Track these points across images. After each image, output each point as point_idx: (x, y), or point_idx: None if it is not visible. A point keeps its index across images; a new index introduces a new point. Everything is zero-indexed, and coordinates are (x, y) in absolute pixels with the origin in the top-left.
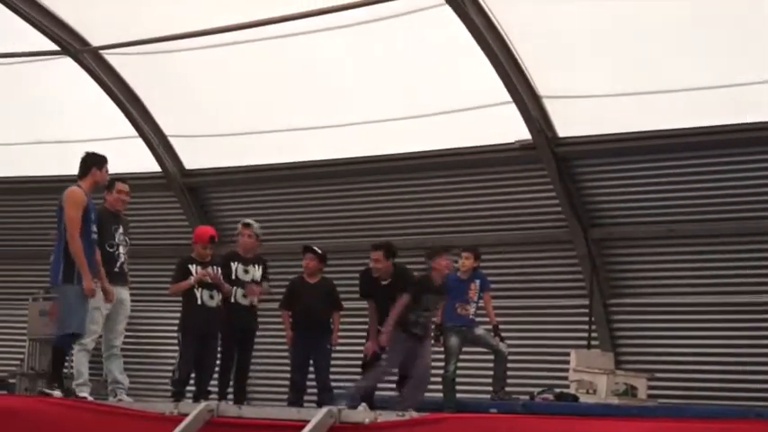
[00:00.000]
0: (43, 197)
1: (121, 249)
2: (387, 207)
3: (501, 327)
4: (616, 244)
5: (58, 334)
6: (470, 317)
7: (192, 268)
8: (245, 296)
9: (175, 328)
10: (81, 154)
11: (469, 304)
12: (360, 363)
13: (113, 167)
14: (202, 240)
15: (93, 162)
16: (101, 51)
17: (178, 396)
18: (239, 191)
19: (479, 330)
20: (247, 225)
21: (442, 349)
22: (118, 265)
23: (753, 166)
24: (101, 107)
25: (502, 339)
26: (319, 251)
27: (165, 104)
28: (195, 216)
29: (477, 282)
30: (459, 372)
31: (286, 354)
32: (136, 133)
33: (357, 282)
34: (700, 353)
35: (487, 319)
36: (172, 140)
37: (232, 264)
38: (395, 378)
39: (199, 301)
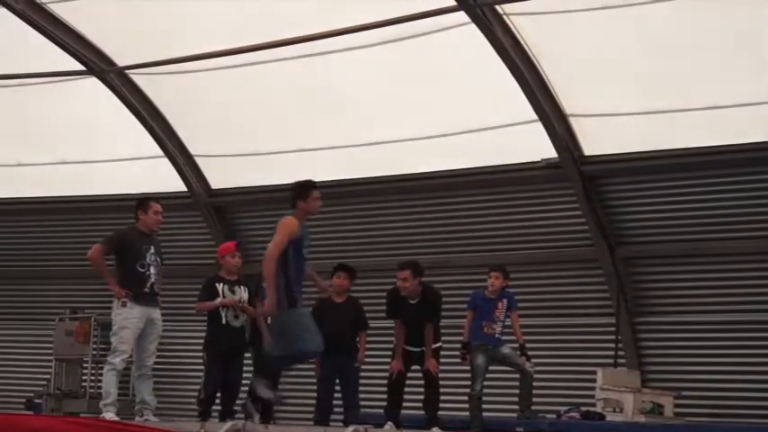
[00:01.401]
0: (68, 217)
1: (152, 270)
2: (413, 226)
3: (528, 345)
4: (642, 262)
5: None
6: (497, 335)
7: (219, 287)
8: (236, 318)
9: (200, 347)
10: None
11: (496, 323)
12: (385, 382)
13: (139, 187)
14: (229, 249)
15: (295, 195)
16: (126, 71)
17: (204, 415)
18: (265, 210)
19: (506, 349)
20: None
21: (469, 368)
22: (148, 285)
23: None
24: (126, 127)
25: (528, 359)
26: (352, 268)
27: (191, 124)
28: (221, 235)
29: (505, 301)
30: (485, 390)
31: (312, 372)
32: (162, 153)
33: (383, 301)
34: (727, 371)
35: (514, 338)
36: (198, 160)
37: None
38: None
39: (224, 321)
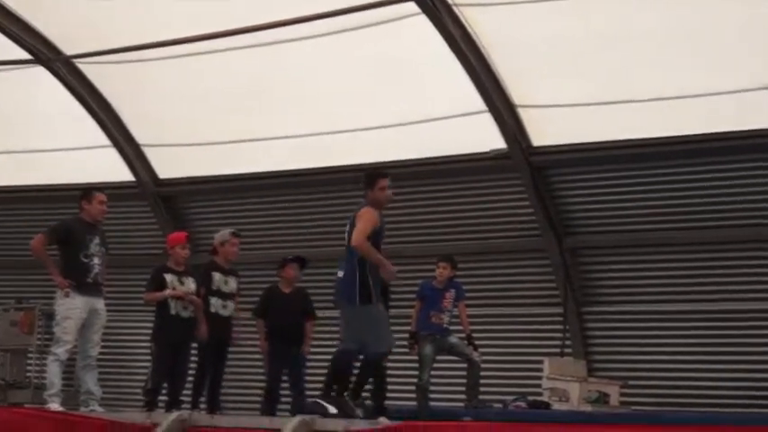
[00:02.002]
0: (12, 207)
1: (96, 260)
2: None
3: (475, 334)
4: (589, 252)
5: (371, 351)
6: (444, 325)
7: (167, 277)
8: (224, 307)
9: (148, 337)
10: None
11: (443, 313)
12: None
13: (86, 177)
14: (180, 241)
15: (364, 185)
16: (73, 60)
17: (150, 406)
18: (213, 200)
19: (453, 339)
20: (237, 234)
21: (416, 357)
22: (92, 275)
23: (725, 175)
24: (73, 116)
25: (476, 349)
26: (304, 260)
27: (139, 114)
28: (169, 226)
29: (453, 291)
30: (432, 380)
31: (259, 362)
32: (109, 142)
33: (331, 291)
34: (672, 360)
35: (462, 328)
36: (145, 150)
37: (213, 274)
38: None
39: (172, 311)
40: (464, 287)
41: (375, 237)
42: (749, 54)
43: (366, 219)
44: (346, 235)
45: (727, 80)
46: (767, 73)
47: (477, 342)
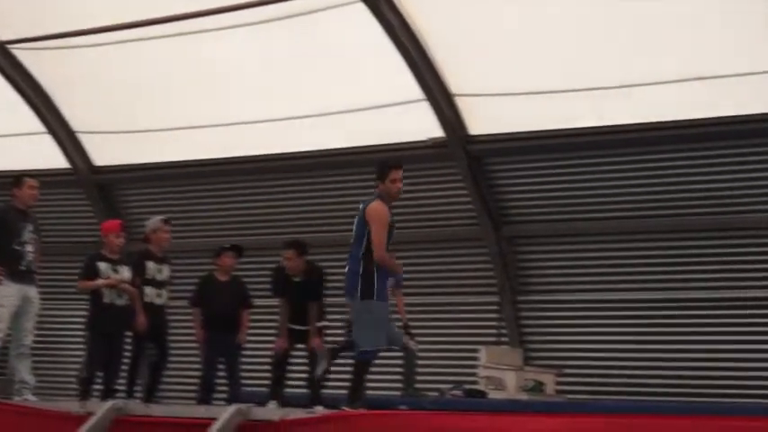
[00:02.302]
0: None
1: (29, 248)
2: (298, 204)
3: (412, 323)
4: (526, 241)
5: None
6: None
7: (101, 266)
8: (158, 296)
9: (82, 326)
10: None
11: None
12: (270, 360)
13: (20, 164)
14: (114, 229)
15: (376, 176)
16: (8, 46)
17: (85, 395)
18: (149, 188)
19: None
20: (167, 221)
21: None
22: (24, 263)
23: (661, 165)
24: (7, 102)
25: (412, 337)
26: (240, 248)
27: (74, 100)
28: (104, 213)
29: (391, 279)
30: (371, 368)
31: (195, 351)
32: (44, 129)
33: (266, 279)
34: (607, 349)
35: (398, 316)
36: (80, 137)
37: (146, 263)
38: None
39: (106, 300)
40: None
41: (387, 234)
42: (686, 44)
43: (379, 222)
44: (354, 227)
45: (665, 69)
46: (703, 63)
47: (413, 331)
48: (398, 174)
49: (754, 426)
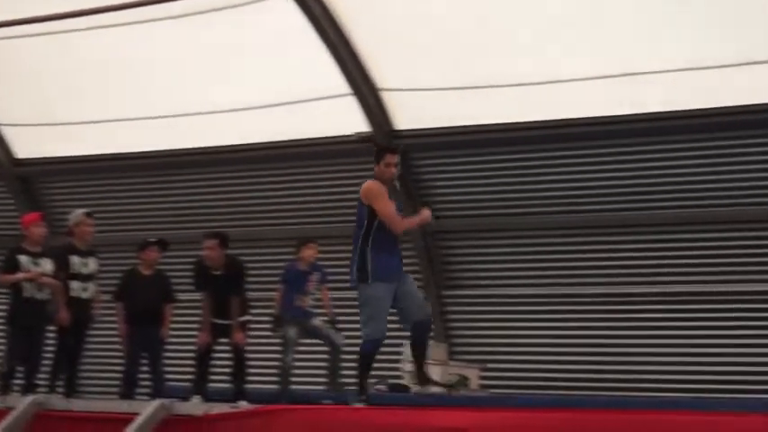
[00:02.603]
0: None
1: None
2: (222, 198)
3: (338, 317)
4: (452, 236)
5: (363, 340)
6: (308, 308)
7: (22, 259)
8: (84, 290)
9: (2, 320)
10: None
11: (307, 296)
12: (193, 355)
13: None
14: (34, 221)
15: (374, 158)
16: None
17: (5, 389)
18: (71, 181)
19: (316, 321)
20: (90, 215)
21: (279, 340)
22: None
23: (584, 161)
24: None
25: (338, 332)
26: (166, 243)
27: None
28: (26, 206)
29: (317, 274)
30: (296, 363)
31: (118, 345)
32: None
33: (190, 274)
34: (531, 344)
35: (324, 311)
36: (2, 129)
37: (70, 257)
38: None
39: (26, 294)
40: (327, 270)
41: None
42: (603, 40)
43: (378, 196)
44: (357, 215)
45: (583, 68)
46: (631, 59)
47: (339, 325)
48: (393, 159)
49: (673, 420)
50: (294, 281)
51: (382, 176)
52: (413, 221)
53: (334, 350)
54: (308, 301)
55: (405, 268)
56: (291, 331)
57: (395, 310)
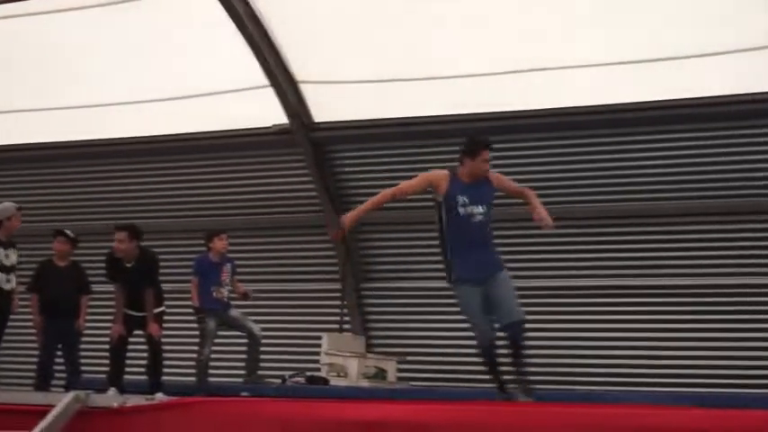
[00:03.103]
0: None
1: None
2: (138, 190)
3: (256, 310)
4: (369, 229)
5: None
6: (225, 299)
7: None
8: (7, 281)
9: None
10: None
11: (223, 287)
12: (108, 347)
13: None
14: None
15: (463, 150)
16: None
17: None
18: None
19: (234, 312)
20: (20, 209)
21: (197, 332)
22: None
23: (506, 153)
24: None
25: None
26: (71, 234)
27: None
28: None
29: (228, 265)
30: (213, 355)
31: (33, 337)
32: None
33: (104, 265)
34: (448, 336)
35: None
36: None
37: None
38: None
39: None
40: (246, 262)
41: (449, 203)
42: (519, 31)
43: (418, 178)
44: None
45: (508, 61)
46: (544, 55)
47: (257, 318)
48: (488, 155)
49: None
50: (207, 273)
51: (473, 171)
52: (379, 198)
53: (253, 340)
54: (225, 293)
55: (322, 261)
56: (211, 323)
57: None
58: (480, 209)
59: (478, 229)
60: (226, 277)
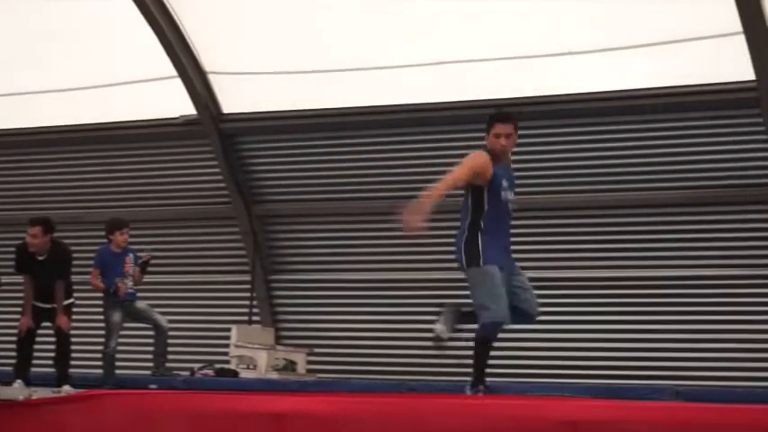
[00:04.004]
0: None
1: None
2: (46, 180)
3: (164, 302)
4: (278, 221)
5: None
6: (130, 290)
7: None
8: None
9: None
10: None
11: (127, 278)
12: (15, 339)
13: None
14: None
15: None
16: None
17: None
18: None
19: (140, 304)
20: None
21: (103, 324)
22: None
23: (417, 146)
24: None
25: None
26: None
27: None
28: None
29: (131, 255)
30: (120, 347)
31: None
32: None
33: (12, 257)
34: (357, 328)
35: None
36: None
37: None
38: None
39: None
40: (155, 254)
41: (493, 184)
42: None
43: (464, 165)
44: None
45: (426, 52)
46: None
47: (166, 310)
48: (504, 129)
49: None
50: (109, 264)
51: (492, 148)
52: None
53: (159, 332)
54: (129, 284)
55: (231, 252)
56: (116, 315)
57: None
58: (512, 195)
59: (509, 216)
60: (129, 268)
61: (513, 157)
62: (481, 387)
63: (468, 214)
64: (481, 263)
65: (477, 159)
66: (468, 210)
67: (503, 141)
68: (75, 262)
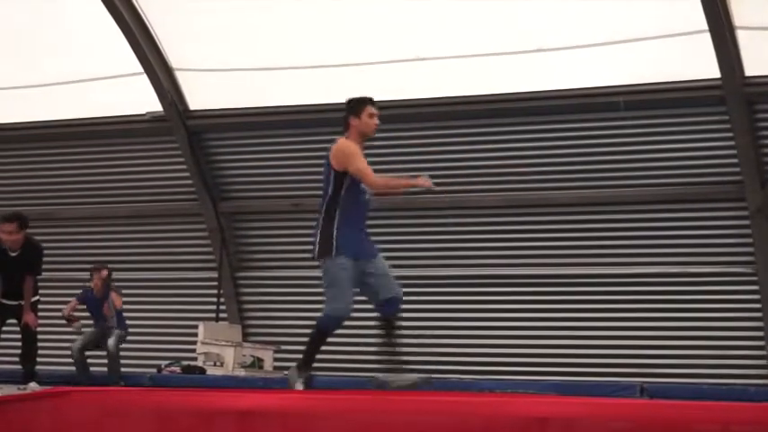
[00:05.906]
0: None
1: None
2: (15, 176)
3: (131, 299)
4: (245, 217)
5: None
6: (109, 325)
7: None
8: None
9: None
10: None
11: (107, 318)
12: None
13: None
14: None
15: (347, 113)
16: None
17: None
18: None
19: (111, 342)
20: None
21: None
22: None
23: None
24: None
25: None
26: None
27: None
28: None
29: (110, 299)
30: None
31: None
32: None
33: None
34: None
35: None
36: None
37: None
38: None
39: None
40: (121, 251)
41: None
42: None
43: (352, 154)
44: (323, 180)
45: (396, 49)
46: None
47: (133, 306)
48: (374, 109)
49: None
50: (90, 306)
51: (365, 131)
52: (393, 181)
53: (110, 356)
54: (110, 320)
55: (198, 249)
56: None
57: (361, 289)
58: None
59: (367, 207)
60: (107, 311)
61: (478, 155)
62: (303, 375)
63: (326, 202)
64: (333, 254)
65: (356, 148)
66: (327, 198)
67: (376, 121)
68: (45, 258)
